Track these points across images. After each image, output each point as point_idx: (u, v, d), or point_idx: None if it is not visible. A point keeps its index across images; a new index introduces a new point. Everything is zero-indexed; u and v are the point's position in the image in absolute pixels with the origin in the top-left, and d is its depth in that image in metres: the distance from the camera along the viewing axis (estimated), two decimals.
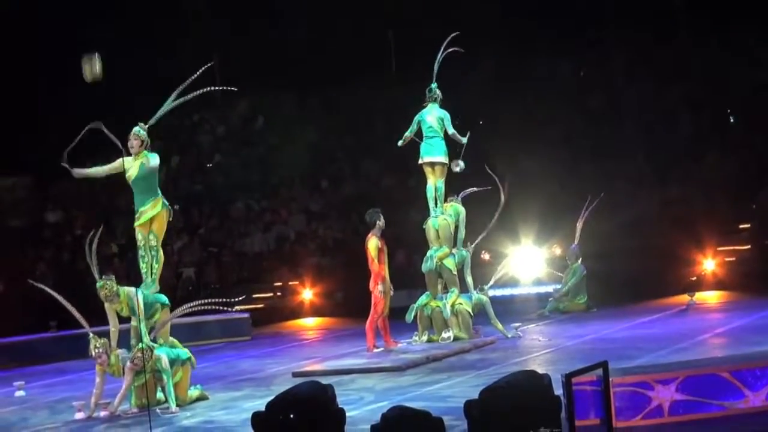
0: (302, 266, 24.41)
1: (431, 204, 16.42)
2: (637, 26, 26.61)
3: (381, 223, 15.55)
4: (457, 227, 16.50)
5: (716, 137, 24.27)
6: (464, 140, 16.28)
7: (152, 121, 12.87)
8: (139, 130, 12.86)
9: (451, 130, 16.27)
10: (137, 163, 12.76)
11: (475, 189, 17.13)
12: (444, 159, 16.29)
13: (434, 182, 16.35)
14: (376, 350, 15.40)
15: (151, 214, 12.81)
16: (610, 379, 8.68)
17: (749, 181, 22.83)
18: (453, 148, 16.51)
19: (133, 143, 12.86)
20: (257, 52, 28.47)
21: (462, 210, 16.60)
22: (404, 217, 21.48)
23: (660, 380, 9.00)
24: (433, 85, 16.43)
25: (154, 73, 27.84)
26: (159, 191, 12.89)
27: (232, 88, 13.35)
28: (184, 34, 28.57)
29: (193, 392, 12.64)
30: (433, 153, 16.27)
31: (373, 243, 15.43)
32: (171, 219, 13.07)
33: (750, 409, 8.98)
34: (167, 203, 12.96)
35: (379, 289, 15.37)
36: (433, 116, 16.29)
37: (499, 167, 17.12)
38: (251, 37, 28.63)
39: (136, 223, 12.82)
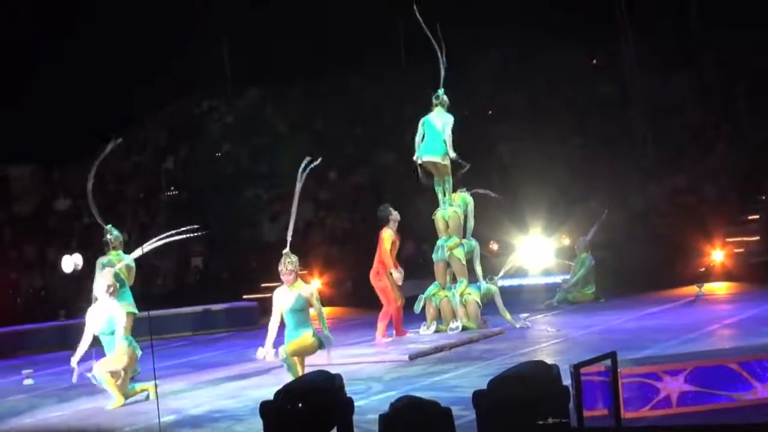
0: (311, 256, 24.39)
1: (440, 195, 16.33)
2: (647, 14, 26.50)
3: (394, 215, 15.61)
4: (466, 217, 16.46)
5: (725, 127, 24.20)
6: (453, 155, 15.82)
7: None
8: (292, 261, 12.27)
9: (448, 138, 15.79)
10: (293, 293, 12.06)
11: (489, 192, 17.14)
12: (440, 159, 15.93)
13: (440, 178, 16.21)
14: (384, 340, 15.41)
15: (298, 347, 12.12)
16: (619, 370, 8.67)
17: (758, 172, 22.76)
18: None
19: (288, 278, 12.21)
20: (266, 40, 28.44)
21: (470, 200, 16.51)
22: (412, 208, 21.44)
23: (668, 371, 9.00)
24: (440, 92, 16.04)
25: (158, 61, 27.89)
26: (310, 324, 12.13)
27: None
28: (192, 22, 28.53)
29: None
30: (431, 152, 15.90)
31: (388, 234, 15.47)
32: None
33: (758, 401, 8.96)
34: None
35: (395, 275, 15.40)
36: (438, 120, 15.95)
37: (508, 156, 17.08)
38: (259, 25, 28.58)
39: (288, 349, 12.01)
